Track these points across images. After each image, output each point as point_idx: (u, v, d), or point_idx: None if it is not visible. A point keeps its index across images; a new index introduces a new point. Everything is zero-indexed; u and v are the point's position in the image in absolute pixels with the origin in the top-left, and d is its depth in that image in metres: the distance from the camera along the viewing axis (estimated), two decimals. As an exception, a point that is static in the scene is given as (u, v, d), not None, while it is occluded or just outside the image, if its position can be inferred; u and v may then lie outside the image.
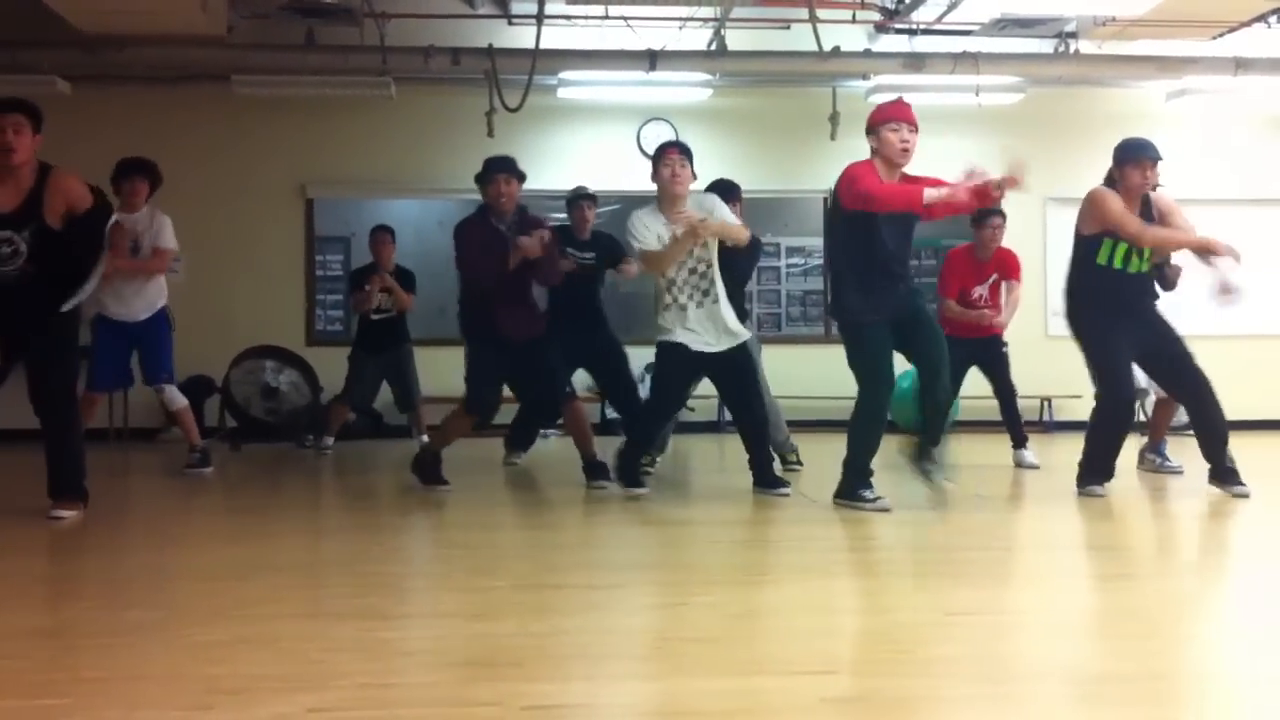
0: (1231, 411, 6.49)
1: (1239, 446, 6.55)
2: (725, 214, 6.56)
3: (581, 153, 11.36)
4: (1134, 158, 6.46)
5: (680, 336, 6.46)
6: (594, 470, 6.89)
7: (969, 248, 8.35)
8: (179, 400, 8.02)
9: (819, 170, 10.87)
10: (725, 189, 7.34)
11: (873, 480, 6.03)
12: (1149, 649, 3.46)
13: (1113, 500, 6.43)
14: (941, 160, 11.47)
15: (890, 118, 6.03)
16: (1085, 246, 6.57)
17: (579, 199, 8.07)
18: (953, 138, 11.65)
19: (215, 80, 10.50)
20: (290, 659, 3.27)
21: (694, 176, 6.60)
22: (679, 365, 6.52)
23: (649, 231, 6.47)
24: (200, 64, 10.32)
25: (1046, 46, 11.02)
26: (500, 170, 6.72)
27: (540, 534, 5.77)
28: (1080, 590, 4.46)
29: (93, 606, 4.06)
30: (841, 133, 10.64)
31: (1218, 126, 11.92)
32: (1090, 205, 6.52)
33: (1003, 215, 8.14)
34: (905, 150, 6.04)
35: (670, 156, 6.51)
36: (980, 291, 8.24)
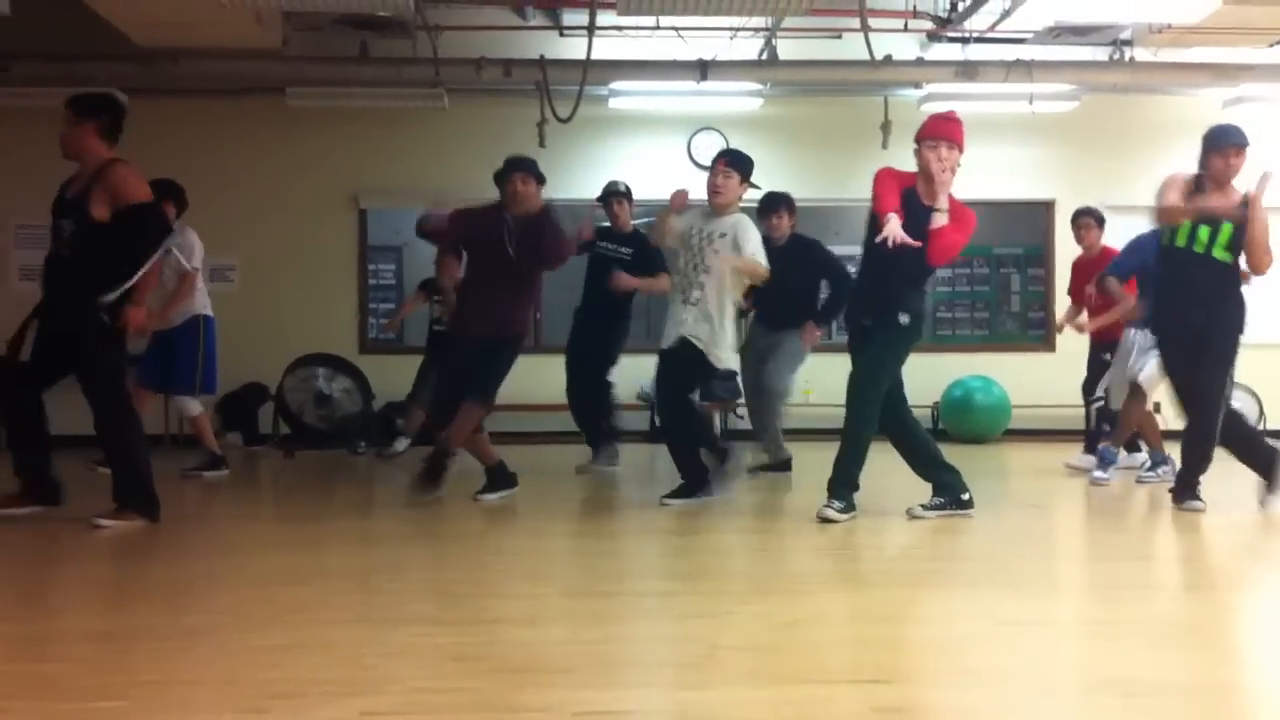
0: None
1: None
2: (749, 245, 6.51)
3: (632, 163, 11.35)
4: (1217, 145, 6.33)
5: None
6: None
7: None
8: (192, 408, 8.26)
9: (869, 179, 10.81)
10: (774, 201, 7.55)
11: None
12: (1203, 660, 3.42)
13: (1164, 511, 6.34)
14: (994, 169, 11.48)
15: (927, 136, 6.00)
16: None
17: (610, 195, 8.35)
18: (1006, 146, 11.60)
19: (269, 93, 10.60)
20: (343, 664, 3.30)
21: (748, 185, 6.61)
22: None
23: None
24: (255, 77, 10.43)
25: (1101, 54, 10.91)
26: (517, 169, 6.81)
27: (588, 542, 5.78)
28: (1132, 601, 4.41)
29: (149, 611, 4.11)
30: (893, 141, 10.58)
31: (1274, 134, 11.76)
32: None
33: (1093, 215, 8.56)
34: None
35: (717, 167, 6.59)
36: (1090, 289, 8.27)
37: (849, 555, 5.26)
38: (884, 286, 5.98)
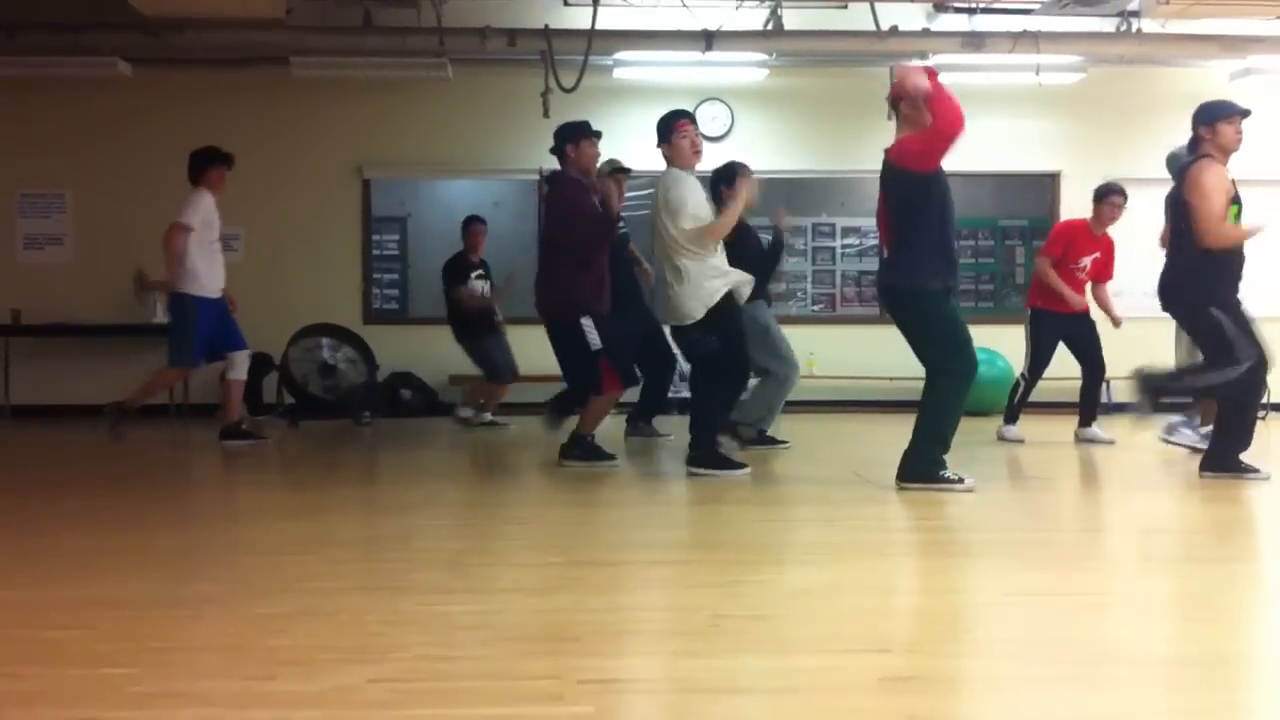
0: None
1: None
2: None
3: (636, 133, 11.26)
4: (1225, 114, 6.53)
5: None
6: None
7: (1087, 223, 8.55)
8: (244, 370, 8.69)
9: (875, 150, 10.64)
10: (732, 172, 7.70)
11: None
12: (1211, 632, 3.43)
13: (1172, 482, 6.35)
14: (1001, 139, 11.43)
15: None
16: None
17: (614, 172, 8.28)
18: (1012, 118, 11.56)
19: (274, 62, 10.57)
20: (351, 631, 3.31)
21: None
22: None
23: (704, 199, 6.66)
24: (259, 46, 10.40)
25: (1108, 25, 10.86)
26: (595, 132, 7.11)
27: (596, 511, 5.79)
28: (1142, 573, 4.42)
29: (158, 579, 4.12)
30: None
31: (1282, 106, 11.71)
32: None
33: (1124, 195, 8.49)
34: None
35: (688, 127, 6.68)
36: (1085, 263, 8.40)
37: (855, 526, 5.26)
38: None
